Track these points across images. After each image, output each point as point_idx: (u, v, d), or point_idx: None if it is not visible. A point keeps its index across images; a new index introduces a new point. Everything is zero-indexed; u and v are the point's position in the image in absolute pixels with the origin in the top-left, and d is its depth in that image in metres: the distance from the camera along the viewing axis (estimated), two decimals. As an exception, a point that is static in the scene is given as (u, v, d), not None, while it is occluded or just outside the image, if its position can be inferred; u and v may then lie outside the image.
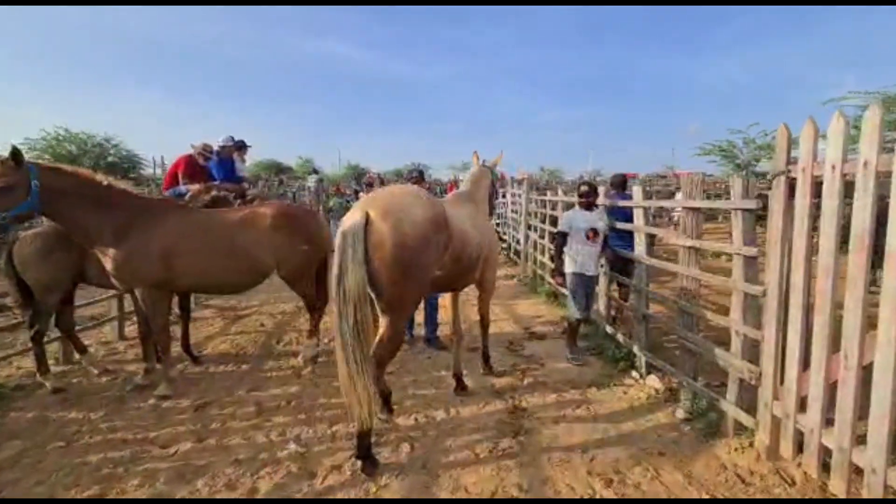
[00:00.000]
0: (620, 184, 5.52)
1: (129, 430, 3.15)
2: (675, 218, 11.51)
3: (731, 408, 2.96)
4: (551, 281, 7.05)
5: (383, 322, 2.59)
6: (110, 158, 22.45)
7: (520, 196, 9.49)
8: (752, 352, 2.90)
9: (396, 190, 2.97)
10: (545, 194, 8.49)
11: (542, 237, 7.82)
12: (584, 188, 4.55)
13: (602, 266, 4.67)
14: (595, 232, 4.31)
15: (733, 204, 2.94)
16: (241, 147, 6.70)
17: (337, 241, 2.44)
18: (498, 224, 11.89)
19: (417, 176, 4.81)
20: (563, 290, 5.89)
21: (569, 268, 4.38)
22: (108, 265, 3.43)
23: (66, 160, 20.35)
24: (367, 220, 2.43)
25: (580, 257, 4.31)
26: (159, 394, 3.62)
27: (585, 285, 4.38)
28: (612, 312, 5.42)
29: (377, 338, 2.60)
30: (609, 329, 4.71)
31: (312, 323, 4.47)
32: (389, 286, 2.49)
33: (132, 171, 22.91)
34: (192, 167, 5.55)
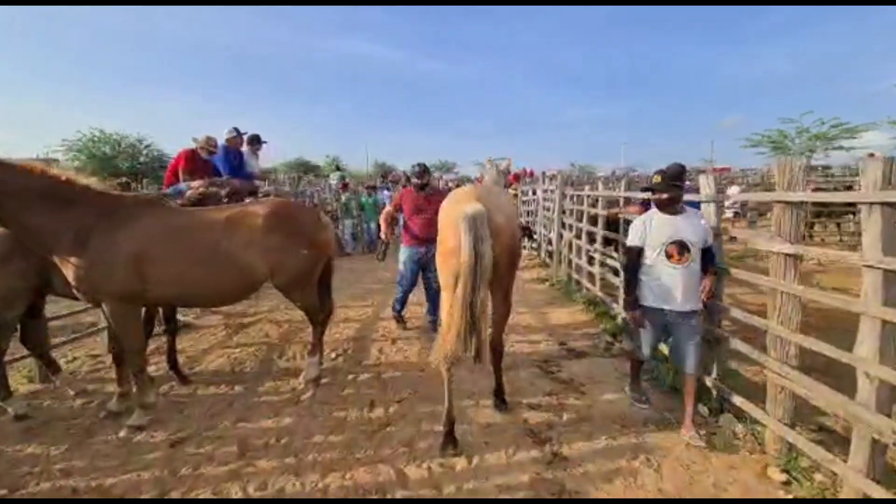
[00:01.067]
0: (678, 175, 4.59)
1: (85, 475, 2.62)
2: (730, 214, 10.39)
3: (856, 477, 2.16)
4: (589, 286, 6.25)
5: (501, 302, 3.05)
6: (142, 159, 22.96)
7: (552, 192, 8.66)
8: (890, 401, 2.10)
9: (492, 189, 3.35)
10: (582, 189, 7.64)
11: (577, 237, 7.01)
12: (657, 179, 3.06)
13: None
14: (682, 247, 2.93)
15: (866, 196, 2.11)
16: (255, 142, 6.18)
17: (465, 223, 2.56)
18: (528, 223, 11.09)
19: (420, 170, 4.76)
20: (608, 302, 5.21)
21: (643, 298, 3.11)
22: (68, 274, 2.91)
23: (101, 161, 20.86)
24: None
25: (657, 283, 3.01)
26: (132, 424, 3.09)
27: (662, 324, 3.08)
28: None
29: (500, 316, 3.10)
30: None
31: (315, 338, 3.89)
32: (507, 269, 2.94)
33: (163, 170, 23.38)
34: (194, 162, 5.12)
